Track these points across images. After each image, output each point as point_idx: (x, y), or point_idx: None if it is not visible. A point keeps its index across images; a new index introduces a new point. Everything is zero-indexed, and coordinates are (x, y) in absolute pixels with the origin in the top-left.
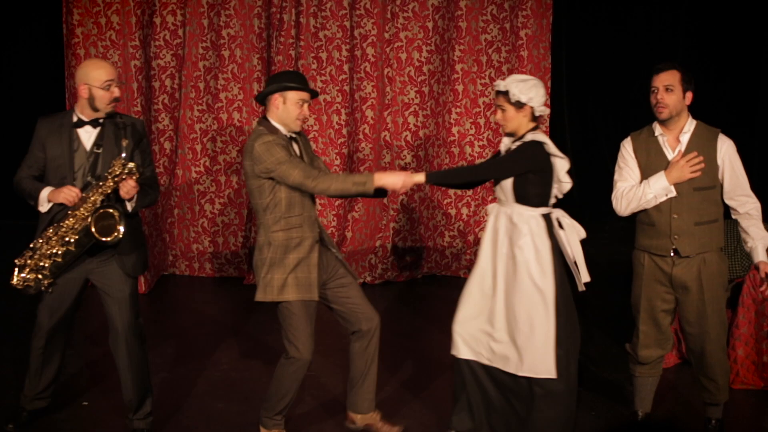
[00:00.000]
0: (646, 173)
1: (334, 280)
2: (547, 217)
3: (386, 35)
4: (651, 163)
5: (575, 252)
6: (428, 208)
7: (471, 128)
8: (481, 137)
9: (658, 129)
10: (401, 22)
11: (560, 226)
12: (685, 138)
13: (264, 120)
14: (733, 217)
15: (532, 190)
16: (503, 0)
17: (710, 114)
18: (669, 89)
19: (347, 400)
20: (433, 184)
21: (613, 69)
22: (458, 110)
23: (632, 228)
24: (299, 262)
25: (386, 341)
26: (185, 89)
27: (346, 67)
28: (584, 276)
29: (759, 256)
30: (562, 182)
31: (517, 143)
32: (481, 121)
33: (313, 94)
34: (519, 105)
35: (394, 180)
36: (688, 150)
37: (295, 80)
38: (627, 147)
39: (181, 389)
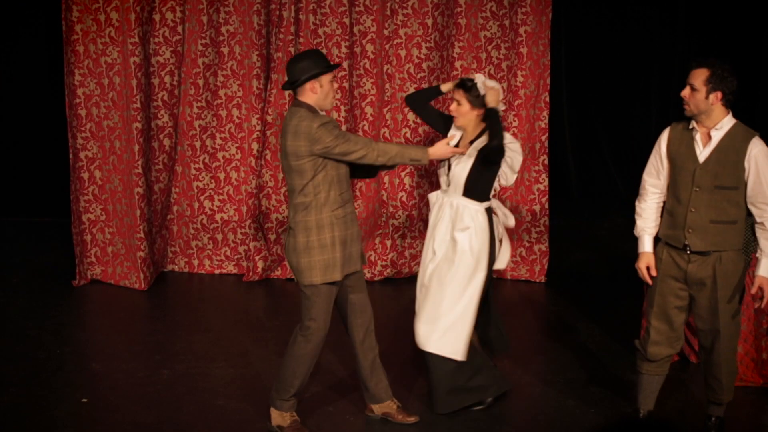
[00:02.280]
0: (675, 162)
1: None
2: (488, 210)
3: (385, 32)
4: (681, 153)
5: (502, 234)
6: (427, 204)
7: None
8: None
9: (693, 123)
10: (400, 19)
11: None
12: (716, 135)
13: (301, 103)
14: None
15: (482, 186)
16: None
17: None
18: (693, 87)
19: (364, 395)
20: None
21: (613, 65)
22: None
23: (631, 228)
24: (356, 237)
25: (385, 338)
26: (184, 86)
27: (345, 64)
28: (504, 260)
29: (760, 270)
30: (513, 175)
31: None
32: None
33: (336, 67)
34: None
35: (442, 152)
36: (718, 147)
37: (323, 62)
38: (664, 135)
39: (180, 386)
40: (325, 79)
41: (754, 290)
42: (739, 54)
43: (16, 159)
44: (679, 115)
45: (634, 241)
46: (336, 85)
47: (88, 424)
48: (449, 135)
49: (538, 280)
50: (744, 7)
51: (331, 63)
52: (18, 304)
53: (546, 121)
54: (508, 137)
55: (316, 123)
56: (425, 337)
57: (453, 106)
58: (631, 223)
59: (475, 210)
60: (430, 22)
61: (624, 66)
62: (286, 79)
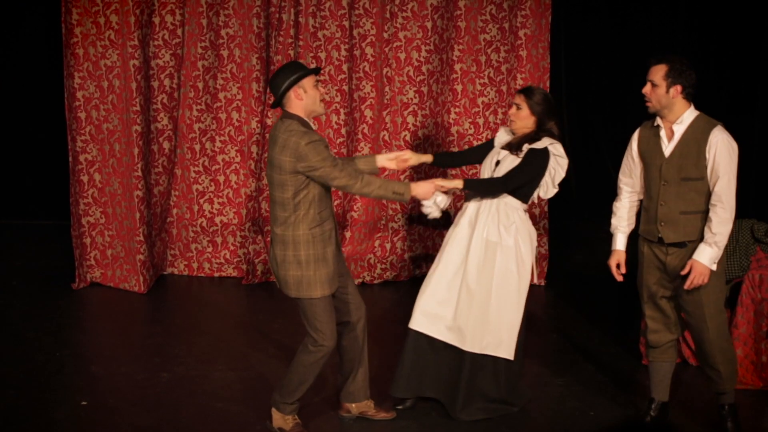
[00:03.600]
0: (645, 160)
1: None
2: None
3: (385, 35)
4: (649, 150)
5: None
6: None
7: (470, 128)
8: (480, 137)
9: (657, 119)
10: (400, 22)
11: None
12: (678, 128)
13: (291, 115)
14: None
15: (524, 188)
16: (502, 0)
17: (709, 108)
18: (654, 84)
19: (341, 392)
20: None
21: (613, 68)
22: (457, 110)
23: (632, 232)
24: (332, 255)
25: (384, 342)
26: (184, 89)
27: (344, 67)
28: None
29: (695, 254)
30: (554, 189)
31: (529, 146)
32: (480, 121)
33: (316, 72)
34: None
35: (425, 190)
36: (682, 140)
37: (299, 68)
38: (635, 135)
39: (180, 389)
40: (307, 83)
41: (684, 270)
42: (739, 54)
43: (16, 161)
44: None
45: (634, 242)
46: (323, 89)
47: (87, 426)
48: (497, 141)
49: (537, 283)
50: (743, 8)
51: (313, 68)
52: (17, 306)
53: None
54: (559, 149)
55: (305, 140)
56: (477, 339)
57: (512, 110)
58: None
59: (515, 207)
60: (429, 25)
61: (624, 69)
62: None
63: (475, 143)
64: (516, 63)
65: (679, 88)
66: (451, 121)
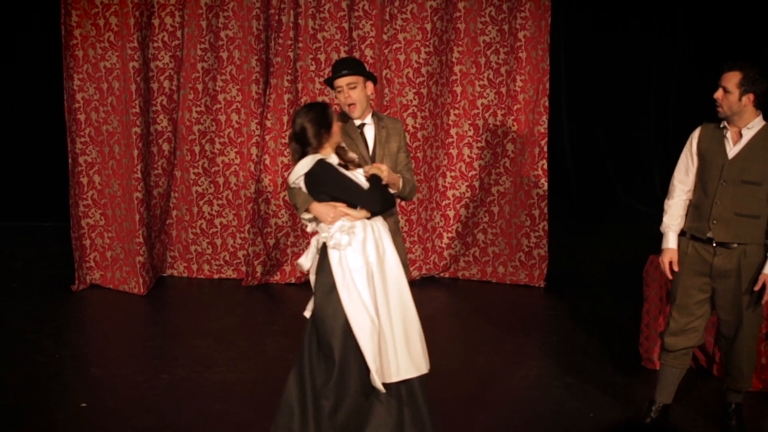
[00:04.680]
0: (704, 158)
1: None
2: None
3: (385, 37)
4: (711, 150)
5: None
6: (426, 209)
7: (470, 130)
8: (479, 139)
9: (724, 122)
10: (399, 24)
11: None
12: (747, 133)
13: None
14: None
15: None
16: (502, 1)
17: (708, 113)
18: (726, 90)
19: None
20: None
21: (612, 70)
22: (457, 112)
23: (630, 232)
24: None
25: None
26: (184, 91)
27: None
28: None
29: (767, 268)
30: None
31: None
32: (480, 123)
33: (338, 76)
34: None
35: (323, 211)
36: (748, 145)
37: (332, 71)
38: (695, 133)
39: (180, 390)
40: (337, 86)
41: (757, 286)
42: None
43: (16, 163)
44: (678, 119)
45: (634, 244)
46: (348, 96)
47: (87, 428)
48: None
49: (537, 285)
50: (743, 11)
51: (336, 75)
52: (17, 308)
53: (545, 125)
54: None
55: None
56: (405, 366)
57: None
58: (630, 227)
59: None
60: (429, 26)
61: (623, 70)
62: (285, 84)
63: (475, 145)
64: (515, 65)
65: (751, 96)
66: (450, 122)
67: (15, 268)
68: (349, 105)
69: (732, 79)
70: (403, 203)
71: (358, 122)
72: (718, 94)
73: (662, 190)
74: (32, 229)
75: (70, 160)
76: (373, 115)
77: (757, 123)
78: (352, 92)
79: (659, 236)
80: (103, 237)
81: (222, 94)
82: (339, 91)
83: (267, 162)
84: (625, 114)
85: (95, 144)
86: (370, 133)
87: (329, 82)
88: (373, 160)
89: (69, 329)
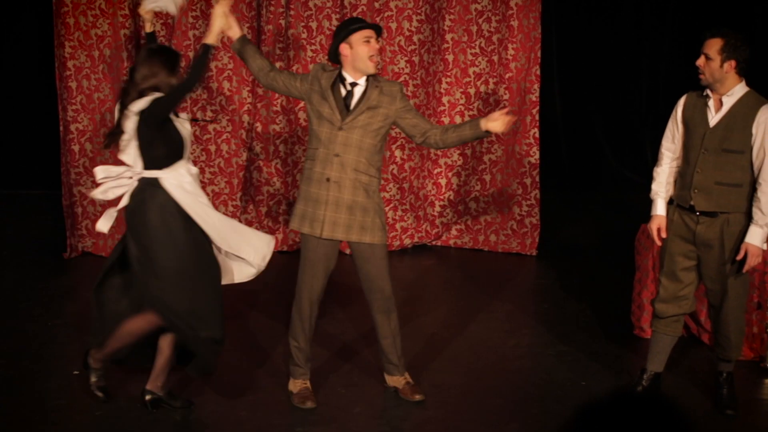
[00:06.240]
0: (688, 126)
1: None
2: None
3: (376, 5)
4: (694, 118)
5: None
6: (418, 177)
7: (461, 98)
8: (471, 107)
9: (707, 90)
10: None
11: None
12: (727, 101)
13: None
14: None
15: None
16: None
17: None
18: (708, 57)
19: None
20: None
21: (604, 38)
22: (448, 80)
23: (622, 201)
24: (311, 198)
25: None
26: None
27: None
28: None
29: (747, 236)
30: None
31: None
32: (471, 91)
33: (376, 29)
34: None
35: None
36: (729, 113)
37: (354, 23)
38: (680, 101)
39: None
40: (356, 38)
41: (740, 255)
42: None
43: (6, 131)
44: (669, 88)
45: (626, 213)
46: (377, 48)
47: (79, 396)
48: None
49: (529, 253)
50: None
51: (372, 24)
52: (8, 277)
53: (537, 94)
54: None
55: None
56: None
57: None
58: (622, 196)
59: None
60: None
61: (615, 40)
62: (277, 52)
63: (466, 113)
64: (507, 33)
65: (733, 63)
66: (442, 90)
67: (6, 236)
68: (371, 56)
69: (713, 46)
70: (395, 171)
71: (350, 80)
72: (700, 61)
73: (653, 159)
74: (23, 197)
75: (61, 128)
76: (369, 78)
77: (738, 90)
78: (378, 45)
79: (650, 204)
80: (94, 204)
81: (214, 61)
82: (366, 41)
83: (259, 129)
84: (617, 83)
85: (87, 112)
86: (358, 93)
87: (356, 30)
88: (342, 119)
89: (61, 297)
